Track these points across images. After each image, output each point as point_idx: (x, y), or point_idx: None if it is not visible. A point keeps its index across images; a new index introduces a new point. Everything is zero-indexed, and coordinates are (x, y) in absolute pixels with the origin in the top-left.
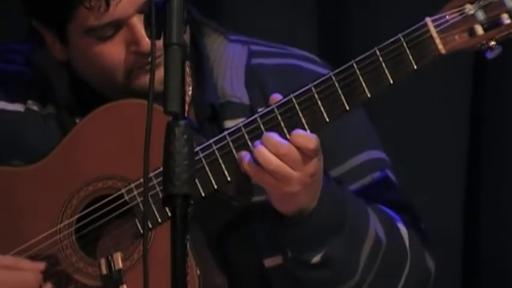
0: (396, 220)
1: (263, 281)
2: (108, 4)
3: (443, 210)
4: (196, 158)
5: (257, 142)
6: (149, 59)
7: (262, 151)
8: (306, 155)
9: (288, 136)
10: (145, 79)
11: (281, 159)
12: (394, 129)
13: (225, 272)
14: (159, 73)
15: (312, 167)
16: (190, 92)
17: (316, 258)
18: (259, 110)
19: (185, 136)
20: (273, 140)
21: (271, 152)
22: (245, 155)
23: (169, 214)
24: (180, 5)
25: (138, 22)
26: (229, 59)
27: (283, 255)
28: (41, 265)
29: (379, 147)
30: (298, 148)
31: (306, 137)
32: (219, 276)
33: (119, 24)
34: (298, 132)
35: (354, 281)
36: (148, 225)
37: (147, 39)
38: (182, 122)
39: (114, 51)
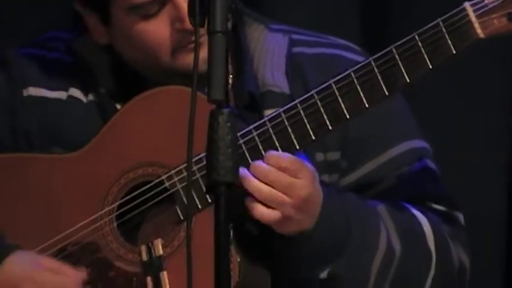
0: (420, 220)
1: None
2: None
3: (486, 214)
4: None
5: (245, 171)
6: (193, 38)
7: (251, 181)
8: (292, 180)
9: (328, 122)
10: (189, 58)
11: (271, 186)
12: (438, 127)
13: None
14: (203, 53)
15: (303, 191)
16: (230, 80)
17: (323, 274)
18: None
19: (229, 124)
20: (260, 168)
21: (261, 181)
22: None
23: (210, 201)
24: None
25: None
26: (270, 48)
27: (293, 272)
28: (84, 273)
29: (420, 136)
30: (273, 167)
31: (278, 157)
32: (263, 276)
33: (163, 1)
34: (270, 153)
35: None
36: (190, 212)
37: None
38: (226, 110)
39: (158, 28)
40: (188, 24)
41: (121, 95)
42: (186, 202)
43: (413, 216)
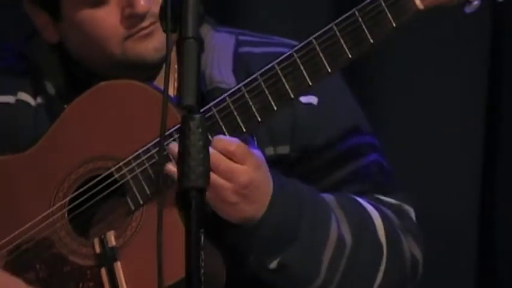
0: (371, 213)
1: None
2: None
3: (458, 212)
4: None
5: None
6: (143, 24)
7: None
8: (234, 165)
9: (273, 103)
10: (140, 47)
11: (213, 170)
12: (407, 130)
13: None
14: (156, 42)
15: (245, 176)
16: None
17: (273, 264)
18: None
19: (200, 130)
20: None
21: None
22: None
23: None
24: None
25: None
26: (217, 47)
27: (244, 261)
28: None
29: (369, 131)
30: (220, 153)
31: (226, 141)
32: (218, 256)
33: None
34: (218, 137)
35: (317, 283)
36: (139, 201)
37: (141, 1)
38: (197, 116)
39: (108, 16)
40: (138, 8)
41: (72, 96)
42: (146, 189)
43: (364, 208)
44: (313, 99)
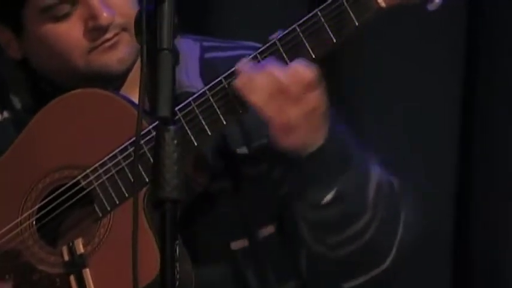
0: (381, 168)
1: (230, 263)
2: None
3: (434, 210)
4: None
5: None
6: (107, 36)
7: (274, 72)
8: (305, 87)
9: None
10: (104, 58)
11: (287, 90)
12: (382, 127)
13: (192, 258)
14: (120, 52)
15: (312, 101)
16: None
17: (328, 196)
18: None
19: (175, 141)
20: (280, 71)
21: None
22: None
23: (126, 196)
24: (170, 10)
25: None
26: (183, 54)
27: (294, 201)
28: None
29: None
30: (294, 72)
31: (306, 67)
32: (187, 262)
33: (74, 1)
34: (298, 61)
35: (365, 218)
36: (107, 208)
37: (104, 13)
38: (172, 127)
39: (71, 29)
40: (102, 21)
41: (38, 110)
42: (112, 195)
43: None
44: None
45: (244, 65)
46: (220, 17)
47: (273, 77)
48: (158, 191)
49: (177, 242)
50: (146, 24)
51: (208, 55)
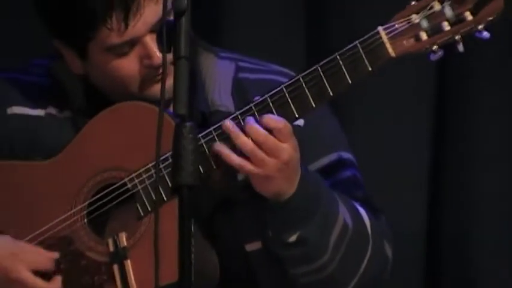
0: (361, 211)
1: (245, 264)
2: (126, 26)
3: (407, 210)
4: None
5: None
6: (160, 71)
7: (240, 136)
8: (279, 143)
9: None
10: (155, 88)
11: (259, 146)
12: (359, 128)
13: (217, 256)
14: (168, 82)
15: (286, 155)
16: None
17: (292, 238)
18: None
19: (191, 135)
20: (254, 128)
21: (251, 138)
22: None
23: (166, 200)
24: (187, 24)
25: (150, 40)
26: (219, 74)
27: (265, 235)
28: (54, 253)
29: (348, 149)
30: (269, 131)
31: (276, 119)
32: (213, 258)
33: (134, 42)
34: (268, 115)
35: (324, 259)
36: (148, 209)
37: (158, 54)
38: (188, 124)
39: (130, 65)
40: (155, 61)
41: (92, 112)
42: (153, 197)
43: (355, 205)
44: (300, 122)
45: (226, 126)
46: (231, 35)
47: (250, 136)
48: (176, 177)
49: (192, 220)
50: (167, 35)
51: (241, 75)
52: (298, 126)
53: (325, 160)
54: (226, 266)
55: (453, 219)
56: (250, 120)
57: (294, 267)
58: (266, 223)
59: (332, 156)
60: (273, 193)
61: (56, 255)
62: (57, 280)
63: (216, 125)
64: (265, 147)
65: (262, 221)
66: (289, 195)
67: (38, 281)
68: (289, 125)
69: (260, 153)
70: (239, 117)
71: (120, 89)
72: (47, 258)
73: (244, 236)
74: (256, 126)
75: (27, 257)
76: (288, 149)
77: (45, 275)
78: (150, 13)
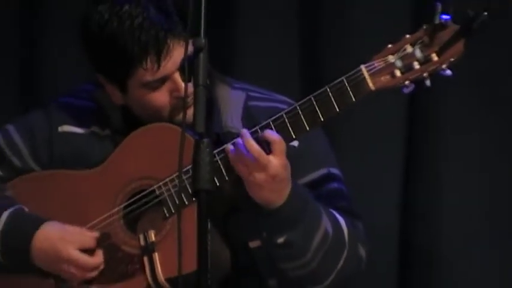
0: (340, 221)
1: (248, 259)
2: (159, 66)
3: (382, 213)
4: None
5: (238, 140)
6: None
7: (240, 149)
8: (271, 159)
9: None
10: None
11: (254, 158)
12: (340, 139)
13: (229, 250)
14: (190, 111)
15: (274, 171)
16: None
17: (280, 240)
18: None
19: (207, 149)
20: (251, 144)
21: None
22: (231, 148)
23: (187, 203)
24: (205, 59)
25: (178, 76)
26: (231, 101)
27: (260, 235)
28: (94, 234)
29: (337, 165)
30: (262, 139)
31: (274, 134)
32: (225, 252)
33: (165, 79)
34: (268, 130)
35: (306, 258)
36: (172, 211)
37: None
38: (205, 140)
39: (161, 97)
40: (182, 93)
41: (127, 131)
42: (177, 202)
43: (336, 216)
44: (295, 143)
45: (243, 131)
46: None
47: (247, 152)
48: (196, 183)
49: (208, 219)
50: (188, 67)
51: (251, 103)
52: (294, 146)
53: (316, 174)
54: (235, 259)
55: (423, 222)
56: (247, 134)
57: (283, 263)
58: (260, 226)
59: (322, 171)
60: (263, 201)
61: (97, 234)
62: (99, 254)
63: (229, 143)
64: (258, 160)
65: (257, 224)
66: (278, 205)
67: (85, 257)
68: (284, 143)
69: (253, 165)
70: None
71: (153, 116)
72: (89, 237)
73: (248, 235)
74: (252, 142)
75: (74, 237)
76: (277, 166)
77: (89, 251)
78: (178, 54)
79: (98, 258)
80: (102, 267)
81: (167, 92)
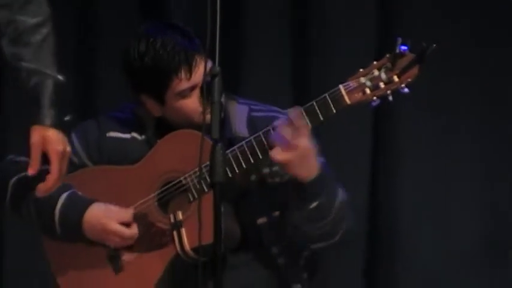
0: (341, 192)
1: (256, 234)
2: (190, 75)
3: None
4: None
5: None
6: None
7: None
8: (304, 144)
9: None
10: (208, 117)
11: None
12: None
13: (238, 226)
14: (208, 116)
15: (304, 147)
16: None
17: (313, 204)
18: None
19: (221, 151)
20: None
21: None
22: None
23: (206, 191)
24: (219, 82)
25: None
26: (238, 113)
27: (295, 205)
28: (132, 211)
29: (321, 156)
30: (296, 124)
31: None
32: (236, 227)
33: (194, 87)
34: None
35: (329, 219)
36: (195, 196)
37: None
38: (220, 143)
39: (192, 103)
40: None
41: (159, 136)
42: (198, 189)
43: (339, 188)
44: None
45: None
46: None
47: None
48: (212, 177)
49: (222, 206)
50: (207, 90)
51: (253, 114)
52: None
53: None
54: (244, 232)
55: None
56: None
57: (313, 222)
58: (297, 197)
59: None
60: (299, 176)
61: (132, 210)
62: (135, 227)
63: (238, 145)
64: (296, 144)
65: (290, 196)
66: (312, 178)
67: (124, 229)
68: (309, 126)
69: (292, 149)
70: (252, 139)
71: (186, 121)
72: (127, 213)
73: (256, 213)
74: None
75: (115, 214)
76: (306, 143)
77: (127, 225)
78: (202, 68)
79: (134, 229)
80: (137, 236)
81: (196, 98)
